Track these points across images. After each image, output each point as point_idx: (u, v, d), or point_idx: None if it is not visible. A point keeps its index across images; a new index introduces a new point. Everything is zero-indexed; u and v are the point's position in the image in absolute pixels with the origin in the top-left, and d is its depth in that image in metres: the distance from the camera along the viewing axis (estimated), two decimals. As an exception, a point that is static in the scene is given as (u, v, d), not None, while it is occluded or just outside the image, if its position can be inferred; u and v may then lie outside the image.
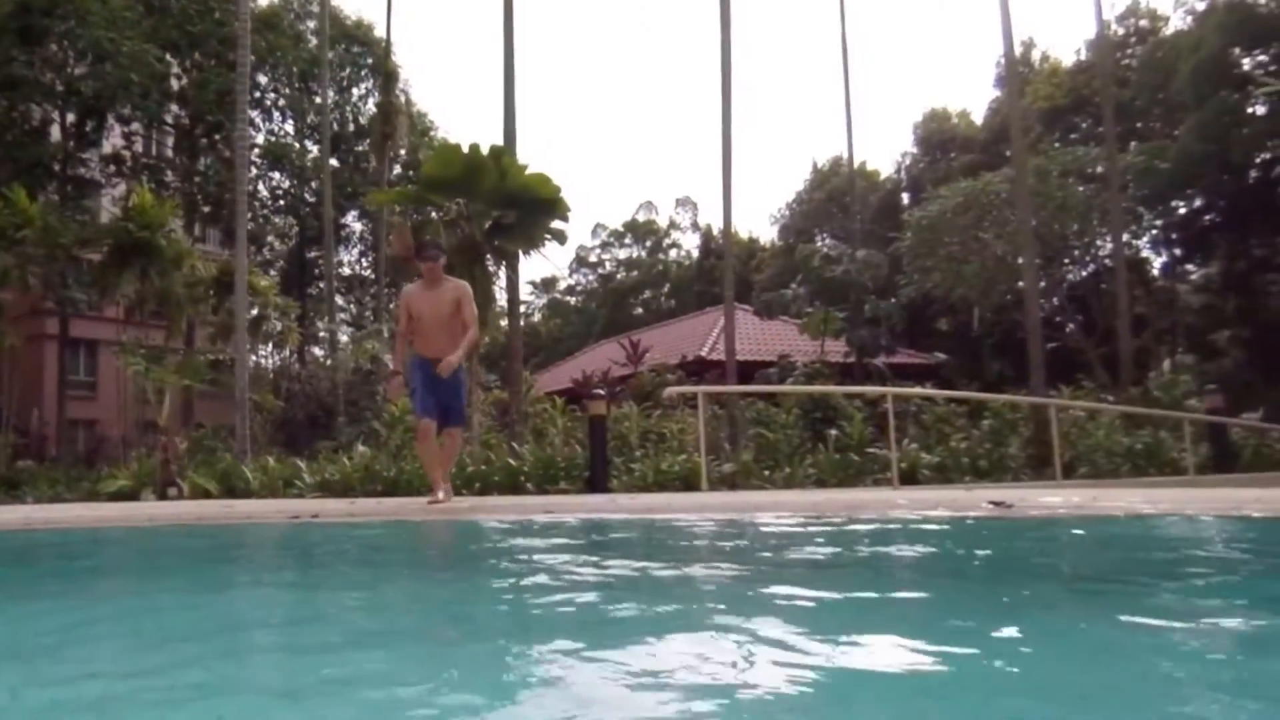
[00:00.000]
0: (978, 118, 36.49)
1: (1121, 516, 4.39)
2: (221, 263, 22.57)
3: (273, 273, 28.72)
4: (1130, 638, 1.79)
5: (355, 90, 31.13)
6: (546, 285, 54.33)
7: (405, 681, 1.55)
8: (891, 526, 4.32)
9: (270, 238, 30.93)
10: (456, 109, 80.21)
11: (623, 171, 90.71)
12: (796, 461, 10.56)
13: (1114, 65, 26.94)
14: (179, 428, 18.31)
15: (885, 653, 1.69)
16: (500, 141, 13.76)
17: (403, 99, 26.89)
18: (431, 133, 30.89)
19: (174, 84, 25.93)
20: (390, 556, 4.35)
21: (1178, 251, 29.00)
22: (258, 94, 27.61)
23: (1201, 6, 27.03)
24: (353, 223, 31.18)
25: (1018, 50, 25.84)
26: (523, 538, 4.46)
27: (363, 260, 31.94)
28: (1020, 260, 18.14)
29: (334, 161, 26.55)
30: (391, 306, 20.48)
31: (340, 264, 29.49)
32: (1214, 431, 12.47)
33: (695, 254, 51.92)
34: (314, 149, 28.78)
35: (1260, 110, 23.13)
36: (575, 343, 43.50)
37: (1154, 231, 28.09)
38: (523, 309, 28.93)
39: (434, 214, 12.78)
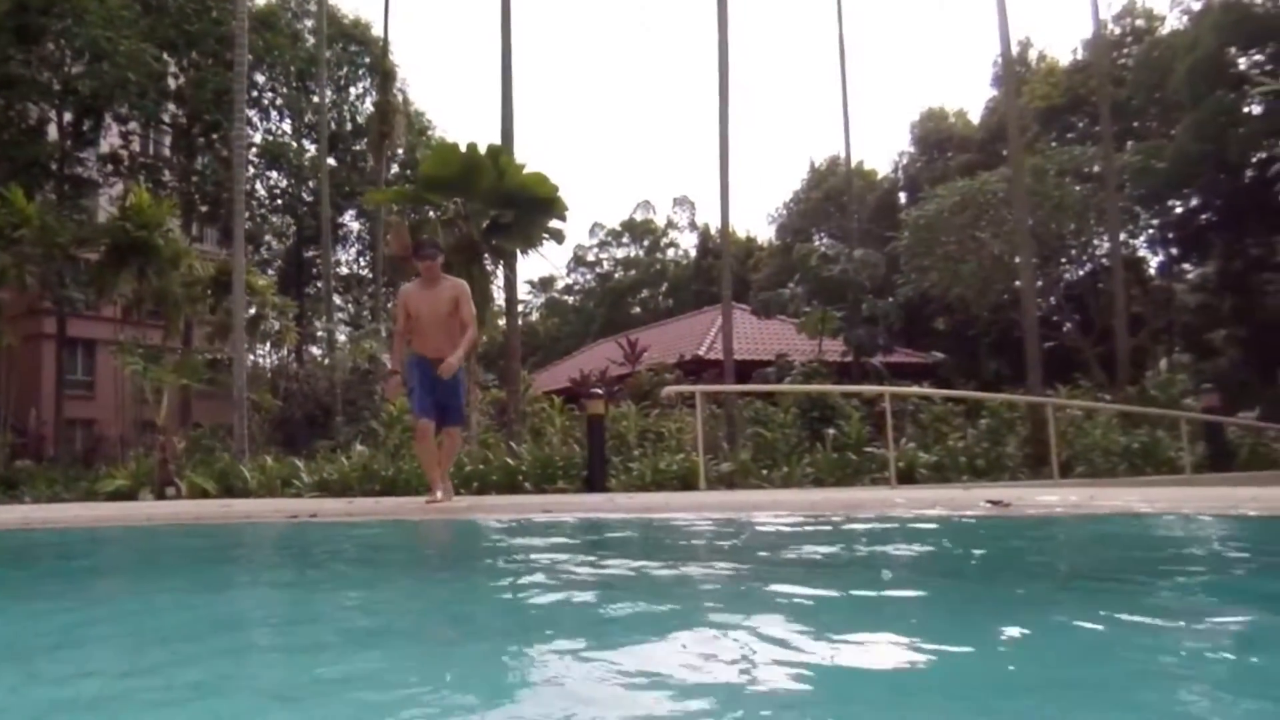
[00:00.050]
0: (975, 117, 36.56)
1: (1119, 515, 4.40)
2: (219, 262, 22.56)
3: (270, 272, 28.68)
4: (1127, 636, 1.79)
5: (353, 89, 31.11)
6: (544, 284, 54.38)
7: (403, 681, 1.55)
8: (889, 525, 4.33)
9: (268, 237, 30.88)
10: (454, 108, 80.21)
11: (620, 171, 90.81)
12: (794, 461, 10.57)
13: (1110, 65, 26.98)
14: (177, 427, 18.29)
15: (883, 651, 1.70)
16: (498, 141, 13.75)
17: (400, 98, 26.86)
18: (429, 132, 30.87)
19: (171, 83, 25.89)
20: (388, 556, 4.35)
21: (1174, 251, 29.04)
22: (255, 93, 27.57)
23: (1198, 6, 27.07)
24: (350, 222, 31.15)
25: (1015, 50, 25.86)
26: (521, 537, 4.47)
27: (360, 259, 31.92)
28: (1017, 259, 18.17)
29: (331, 161, 26.52)
30: (389, 306, 20.48)
31: (338, 263, 29.46)
32: (1210, 430, 12.51)
33: (693, 253, 51.94)
34: (311, 148, 28.75)
35: (1256, 110, 23.16)
36: (573, 342, 43.50)
37: (1150, 231, 28.13)
38: (520, 308, 28.92)
39: (431, 213, 12.77)
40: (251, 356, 21.39)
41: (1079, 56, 31.77)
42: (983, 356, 27.75)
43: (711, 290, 31.78)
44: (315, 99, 26.31)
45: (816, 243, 32.83)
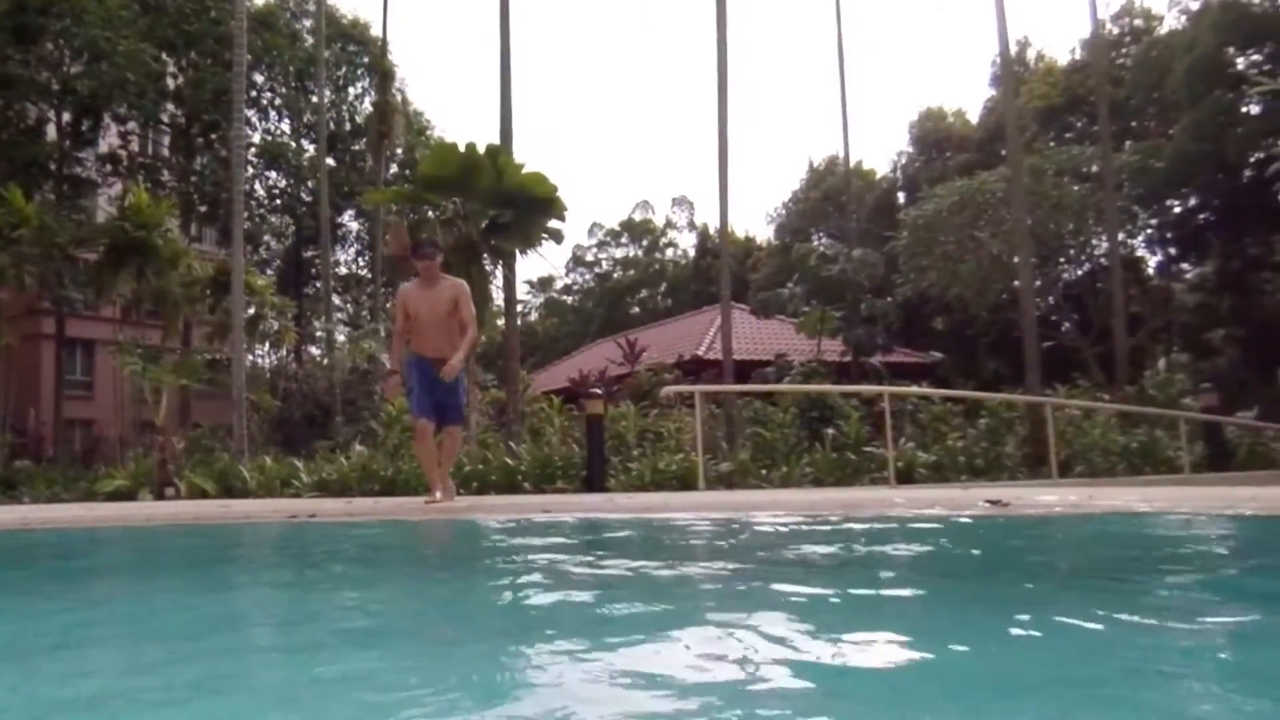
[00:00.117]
0: (973, 117, 36.55)
1: (1117, 515, 4.41)
2: (218, 262, 22.55)
3: (269, 272, 28.67)
4: (1126, 635, 1.80)
5: (352, 89, 31.10)
6: (543, 284, 54.35)
7: (402, 681, 1.55)
8: (888, 525, 4.33)
9: (267, 237, 30.87)
10: (453, 108, 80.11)
11: (619, 171, 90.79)
12: (793, 460, 10.57)
13: (1109, 65, 26.99)
14: (176, 427, 18.29)
15: (883, 651, 1.70)
16: (497, 140, 13.76)
17: (399, 98, 26.83)
18: (428, 132, 30.85)
19: (170, 83, 25.87)
20: (387, 556, 4.35)
21: (1173, 250, 29.06)
22: (254, 93, 27.56)
23: (1196, 6, 27.07)
24: (349, 222, 31.14)
25: (1013, 50, 25.87)
26: (520, 537, 4.47)
27: (359, 260, 31.90)
28: (1016, 259, 18.20)
29: (330, 161, 26.52)
30: (388, 306, 20.47)
31: (337, 263, 29.44)
32: (1209, 430, 12.53)
33: (692, 253, 51.92)
34: (310, 148, 28.74)
35: (1254, 109, 23.17)
36: (572, 342, 43.50)
37: (1149, 230, 28.15)
38: (519, 308, 28.90)
39: (430, 213, 12.77)
40: (250, 357, 21.37)
41: (1077, 56, 31.81)
42: (981, 356, 27.77)
43: (710, 290, 31.79)
44: (314, 99, 26.30)
45: (815, 243, 32.76)
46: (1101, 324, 22.10)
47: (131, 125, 25.24)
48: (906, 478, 10.10)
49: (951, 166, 31.08)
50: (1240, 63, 23.95)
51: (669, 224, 54.59)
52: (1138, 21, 31.79)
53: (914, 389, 14.80)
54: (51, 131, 24.43)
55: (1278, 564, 3.10)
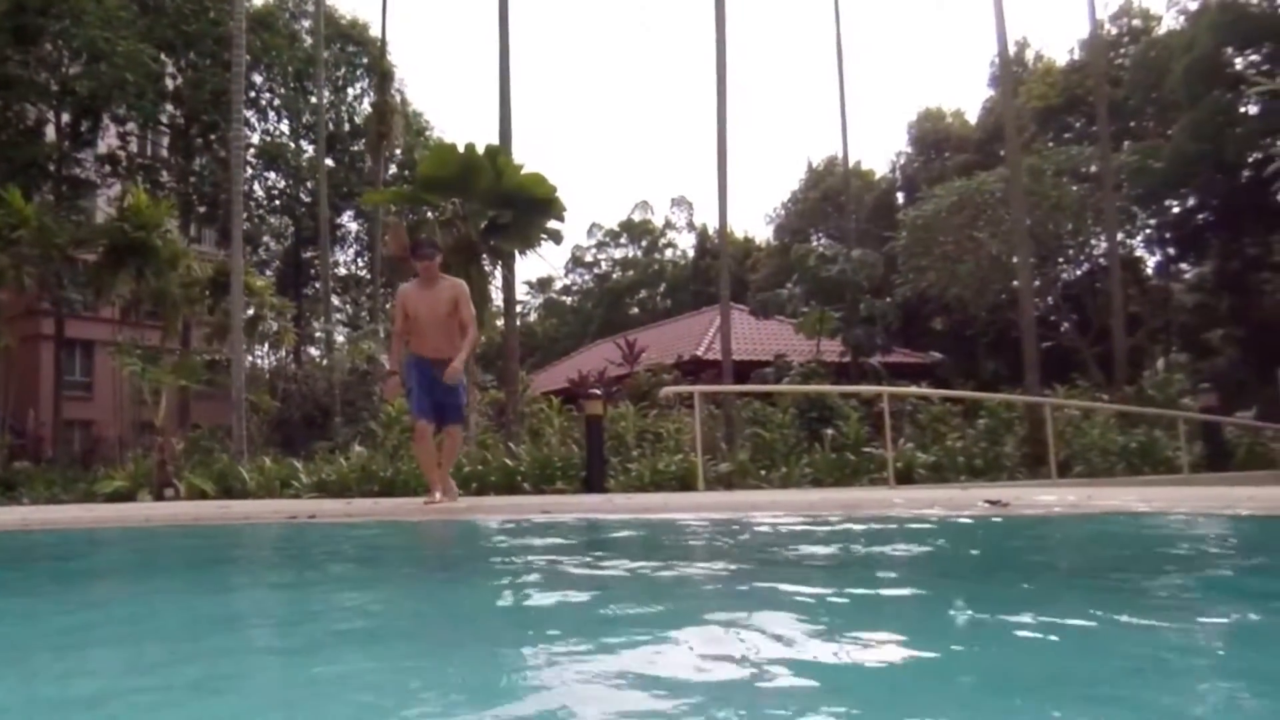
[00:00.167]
0: (972, 117, 36.58)
1: (1116, 515, 4.41)
2: (217, 263, 22.56)
3: (268, 273, 28.67)
4: (1125, 634, 1.80)
5: (351, 90, 31.10)
6: (542, 285, 54.36)
7: (402, 682, 1.56)
8: (888, 526, 4.33)
9: (266, 238, 30.88)
10: (452, 109, 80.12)
11: (618, 171, 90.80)
12: (793, 461, 10.57)
13: (1107, 65, 26.99)
14: (175, 428, 18.28)
15: (882, 650, 1.71)
16: (496, 141, 13.76)
17: (398, 98, 26.84)
18: (427, 132, 30.85)
19: (169, 84, 25.88)
20: (387, 557, 4.35)
21: (1171, 250, 29.07)
22: (253, 94, 27.55)
23: (1194, 6, 27.09)
24: (348, 223, 31.14)
25: (1012, 50, 25.89)
26: (519, 538, 4.47)
27: (358, 260, 31.89)
28: (1015, 259, 18.21)
29: (329, 161, 26.52)
30: (388, 307, 20.47)
31: (336, 264, 29.45)
32: (1208, 430, 12.54)
33: (691, 254, 51.93)
34: (309, 149, 28.74)
35: (1253, 110, 23.19)
36: (571, 342, 43.50)
37: (1148, 231, 28.16)
38: (519, 309, 28.90)
39: (430, 214, 12.78)
40: (250, 357, 21.36)
41: (1076, 56, 31.83)
42: (981, 356, 27.78)
43: (710, 291, 31.80)
44: (313, 99, 26.30)
45: (814, 243, 32.84)
46: (1100, 324, 22.12)
47: (131, 126, 25.25)
48: (906, 478, 10.10)
49: (950, 167, 31.10)
50: (1239, 63, 23.98)
51: (668, 224, 54.65)
52: (1136, 22, 31.81)
53: (913, 389, 14.81)
54: (51, 132, 24.43)
55: (1276, 564, 3.10)
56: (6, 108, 23.00)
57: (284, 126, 30.44)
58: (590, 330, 45.32)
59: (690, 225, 53.82)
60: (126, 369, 16.82)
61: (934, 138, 36.93)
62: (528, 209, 12.06)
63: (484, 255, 12.63)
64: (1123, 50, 31.13)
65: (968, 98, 73.39)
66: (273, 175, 29.84)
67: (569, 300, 55.19)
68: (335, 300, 27.92)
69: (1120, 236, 23.04)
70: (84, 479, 14.86)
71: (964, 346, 28.10)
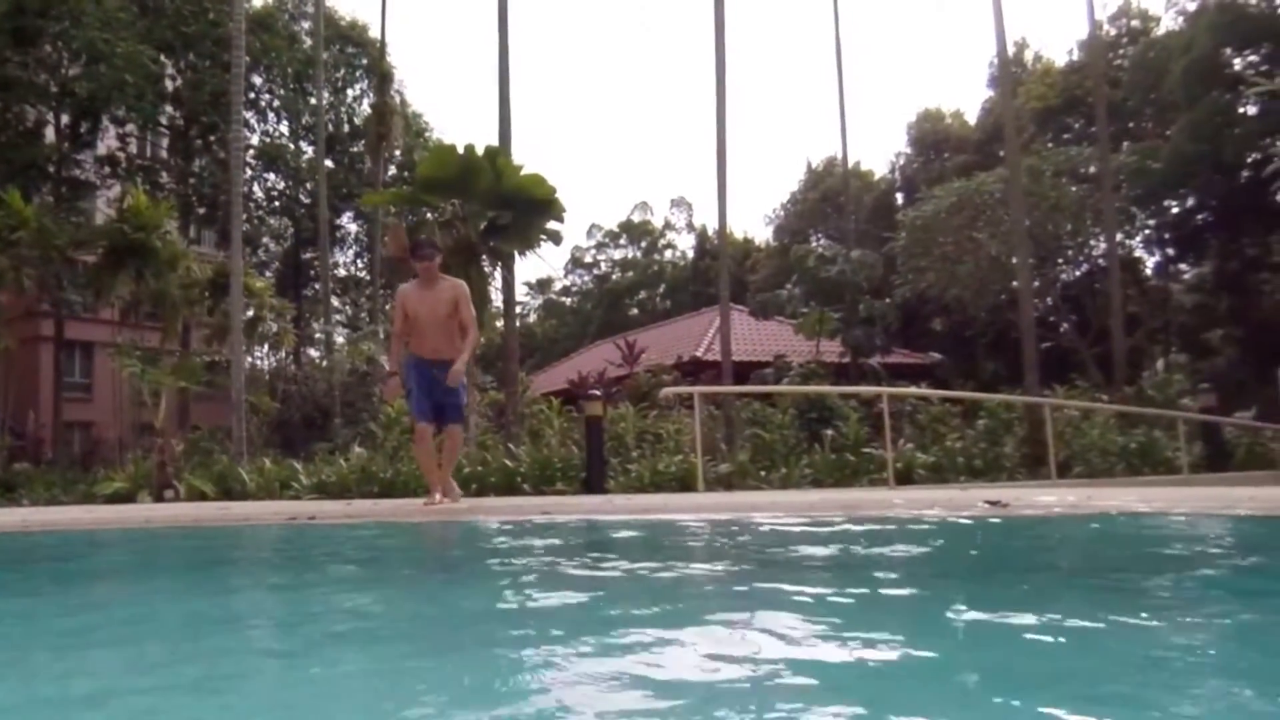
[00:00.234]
0: (971, 118, 36.58)
1: (1116, 515, 4.42)
2: (217, 264, 22.56)
3: (268, 274, 28.66)
4: (1125, 634, 1.80)
5: (350, 91, 31.11)
6: (542, 286, 54.36)
7: (401, 682, 1.56)
8: (888, 526, 4.34)
9: (265, 239, 30.87)
10: (451, 110, 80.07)
11: (618, 172, 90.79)
12: (793, 462, 10.57)
13: (1106, 66, 27.00)
14: (175, 430, 18.28)
15: (882, 650, 1.71)
16: (495, 142, 13.76)
17: (398, 100, 26.85)
18: (426, 134, 30.85)
19: (169, 85, 25.88)
20: (387, 558, 4.35)
21: (1170, 251, 29.06)
22: (252, 95, 27.56)
23: (1193, 7, 27.11)
24: (348, 224, 31.14)
25: (1011, 51, 25.90)
26: (519, 539, 4.48)
27: (358, 261, 31.88)
28: (1014, 260, 18.21)
29: (329, 163, 26.51)
30: (387, 308, 20.47)
31: (335, 265, 29.45)
32: (1207, 430, 12.53)
33: (690, 254, 51.94)
34: (309, 150, 28.75)
35: (1252, 110, 23.20)
36: (571, 343, 43.49)
37: (1147, 231, 28.16)
38: (518, 310, 28.91)
39: (429, 215, 12.79)
40: (249, 359, 21.38)
41: (1075, 57, 31.83)
42: (980, 357, 27.79)
43: (709, 291, 31.80)
44: (312, 101, 26.30)
45: (814, 244, 32.86)
46: (1100, 324, 22.11)
47: (130, 127, 25.25)
48: (905, 479, 10.10)
49: (950, 167, 31.10)
50: (1237, 63, 23.98)
51: (668, 225, 54.65)
52: (1135, 23, 31.82)
53: (913, 390, 14.81)
54: (50, 134, 24.42)
55: (1276, 564, 3.10)
56: (6, 109, 23.00)
57: (283, 128, 30.48)
58: (590, 331, 45.31)
59: (690, 226, 53.89)
60: (126, 370, 16.82)
61: (933, 138, 36.94)
62: (527, 210, 12.07)
63: (483, 256, 12.64)
64: (1121, 51, 31.14)
65: (967, 98, 73.59)
66: (272, 176, 29.85)
67: (568, 301, 55.19)
68: (335, 301, 27.93)
69: (1119, 237, 23.05)
70: (84, 480, 14.86)
71: (963, 347, 28.10)
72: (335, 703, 1.44)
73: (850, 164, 27.56)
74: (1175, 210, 27.36)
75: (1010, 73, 22.85)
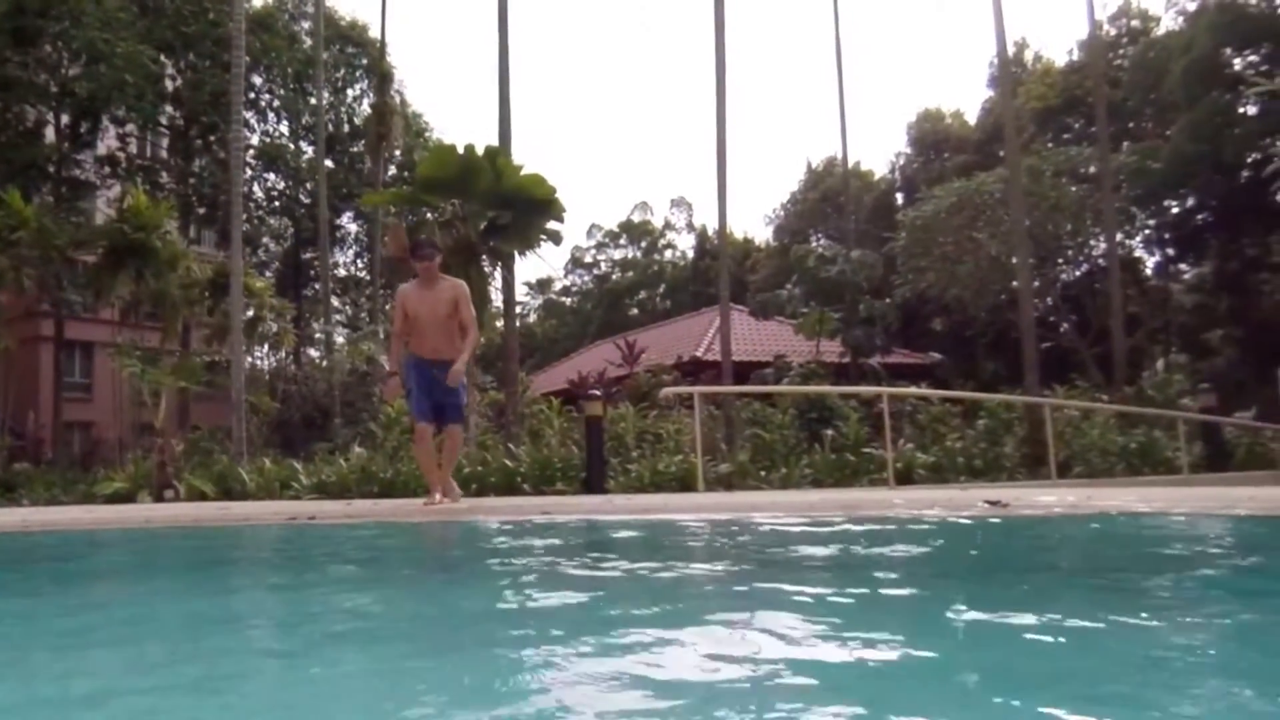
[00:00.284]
0: (971, 118, 36.58)
1: (1116, 515, 4.42)
2: (217, 264, 22.56)
3: (268, 274, 28.66)
4: (1125, 634, 1.80)
5: (350, 91, 31.11)
6: (542, 286, 54.36)
7: (401, 683, 1.56)
8: (888, 526, 4.34)
9: (265, 239, 30.88)
10: (451, 110, 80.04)
11: (618, 172, 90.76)
12: (793, 462, 10.57)
13: (1106, 66, 27.00)
14: (175, 430, 18.28)
15: (882, 650, 1.71)
16: (495, 142, 13.76)
17: (398, 100, 26.85)
18: (426, 134, 30.85)
19: (169, 85, 25.88)
20: (387, 558, 4.35)
21: (1170, 251, 29.06)
22: (252, 95, 27.56)
23: (1193, 7, 27.11)
24: (348, 224, 31.14)
25: (1010, 51, 25.89)
26: (519, 539, 4.48)
27: (358, 261, 31.89)
28: (1014, 260, 18.21)
29: (329, 163, 26.51)
30: (387, 308, 20.48)
31: (335, 265, 29.45)
32: (1207, 430, 12.53)
33: (690, 254, 51.93)
34: (309, 150, 28.75)
35: (1252, 110, 23.20)
36: (571, 343, 43.49)
37: (1147, 231, 28.17)
38: (518, 310, 28.90)
39: (429, 215, 12.78)
40: (249, 359, 21.38)
41: (1075, 57, 31.82)
42: (980, 357, 27.78)
43: (709, 291, 31.80)
44: (312, 101, 26.31)
45: (814, 244, 32.86)
46: (1100, 325, 22.12)
47: (130, 127, 25.25)
48: (906, 479, 10.10)
49: (950, 167, 31.10)
50: (1237, 63, 23.98)
51: (668, 225, 54.64)
52: (1135, 23, 31.82)
53: (913, 390, 14.81)
54: (50, 134, 24.42)
55: (1276, 564, 3.10)
56: (6, 109, 23.00)
57: (283, 128, 30.48)
58: (590, 331, 45.30)
59: (690, 226, 53.88)
60: (126, 370, 16.82)
61: (933, 138, 36.94)
62: (527, 210, 12.07)
63: (483, 256, 12.64)
64: (1121, 51, 31.14)
65: (967, 98, 73.59)
66: (272, 176, 29.85)
67: (568, 301, 55.19)
68: (335, 301, 27.93)
69: (1119, 237, 23.04)
70: (84, 480, 14.86)
71: (963, 347, 28.10)
72: (335, 703, 1.44)
73: (850, 164, 27.57)
74: (1175, 210, 27.36)
75: (1010, 73, 22.85)
